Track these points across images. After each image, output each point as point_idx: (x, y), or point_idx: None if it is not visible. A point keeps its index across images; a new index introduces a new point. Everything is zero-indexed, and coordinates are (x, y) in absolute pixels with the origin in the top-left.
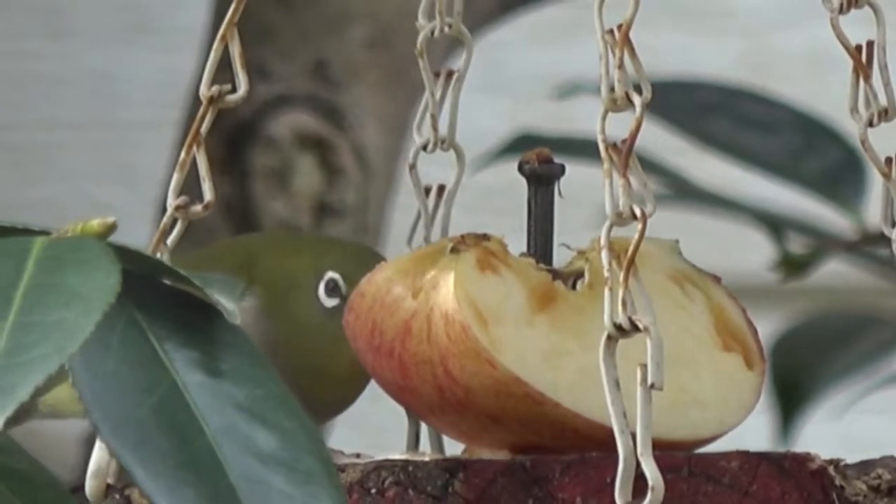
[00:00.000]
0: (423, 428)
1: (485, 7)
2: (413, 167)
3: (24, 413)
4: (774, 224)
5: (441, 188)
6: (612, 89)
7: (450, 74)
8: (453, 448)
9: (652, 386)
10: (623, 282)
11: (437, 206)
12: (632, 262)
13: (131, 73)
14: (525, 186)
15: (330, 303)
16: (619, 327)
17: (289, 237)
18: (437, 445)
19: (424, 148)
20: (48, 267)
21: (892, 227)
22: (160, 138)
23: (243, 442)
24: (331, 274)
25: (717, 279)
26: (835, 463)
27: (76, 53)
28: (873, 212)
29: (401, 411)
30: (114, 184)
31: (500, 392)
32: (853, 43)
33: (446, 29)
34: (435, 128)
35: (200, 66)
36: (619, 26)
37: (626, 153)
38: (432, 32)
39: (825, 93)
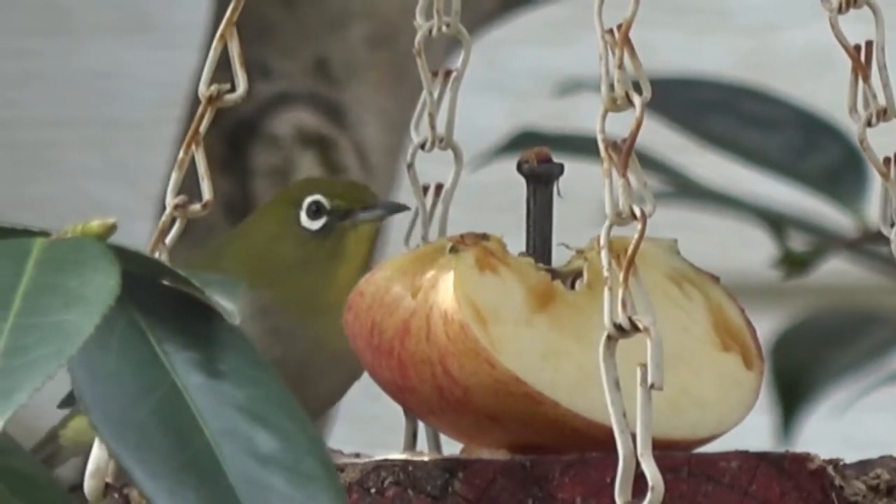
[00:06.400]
0: (420, 426)
1: (485, 5)
2: (411, 166)
3: (50, 456)
4: (775, 222)
5: (439, 187)
6: (611, 89)
7: (448, 73)
8: (450, 447)
9: (652, 386)
10: (623, 282)
11: (434, 204)
12: (632, 262)
13: (131, 71)
14: (523, 185)
15: (315, 224)
16: (619, 327)
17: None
18: (435, 444)
19: (423, 147)
20: (48, 268)
21: (891, 226)
22: (160, 136)
23: (243, 443)
24: (310, 198)
25: (715, 278)
26: (834, 463)
27: (75, 51)
28: (874, 210)
29: (399, 409)
30: (113, 182)
31: (499, 391)
32: (853, 42)
33: (444, 28)
34: (433, 126)
35: (200, 64)
36: (619, 26)
37: (625, 153)
38: (430, 31)
39: (826, 92)
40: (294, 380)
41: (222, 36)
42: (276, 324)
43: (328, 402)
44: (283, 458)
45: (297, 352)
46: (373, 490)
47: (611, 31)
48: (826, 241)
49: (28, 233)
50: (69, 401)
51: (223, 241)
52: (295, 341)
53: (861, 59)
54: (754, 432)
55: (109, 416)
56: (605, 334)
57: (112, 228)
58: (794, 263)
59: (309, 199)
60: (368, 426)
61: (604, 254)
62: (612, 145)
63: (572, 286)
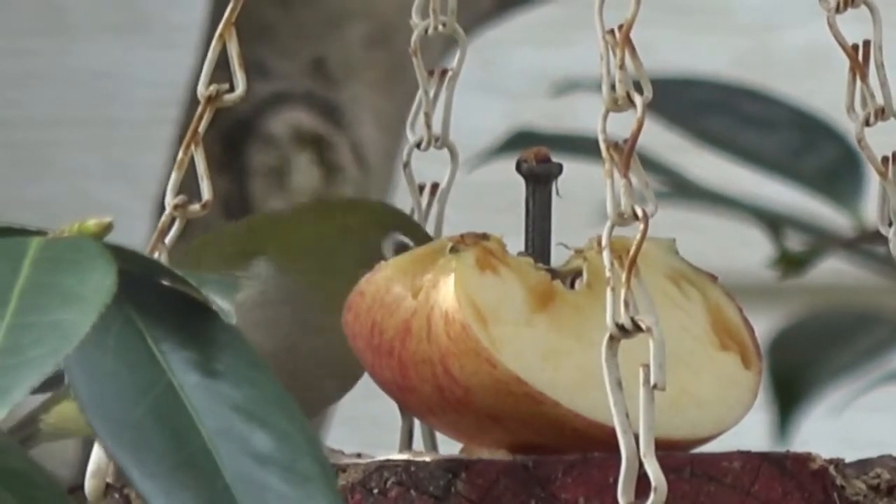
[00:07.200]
0: (416, 426)
1: (482, 5)
2: (407, 165)
3: (27, 438)
4: (773, 222)
5: (434, 186)
6: (612, 89)
7: (444, 73)
8: (447, 446)
9: (655, 386)
10: (625, 282)
11: (430, 203)
12: (634, 262)
13: (129, 71)
14: (522, 185)
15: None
16: (621, 328)
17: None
18: (431, 444)
19: (418, 146)
20: (44, 267)
21: (889, 225)
22: (158, 136)
23: (240, 443)
24: (399, 236)
25: (713, 278)
26: (835, 463)
27: (74, 51)
28: (871, 209)
29: (396, 409)
30: (112, 182)
31: (500, 391)
32: (850, 42)
33: (440, 27)
34: (429, 126)
35: (198, 64)
36: (620, 27)
37: (627, 153)
38: (426, 31)
39: (824, 91)
40: (317, 362)
41: (221, 36)
42: (303, 309)
43: (349, 382)
44: (280, 458)
45: (321, 337)
46: (375, 491)
47: (612, 31)
48: (823, 241)
49: (25, 232)
50: (46, 385)
51: (261, 221)
52: (319, 326)
53: (859, 59)
54: (750, 432)
55: (105, 415)
56: (607, 335)
57: (108, 227)
58: (791, 263)
59: (397, 238)
60: (365, 426)
61: (606, 254)
62: (614, 146)
63: (571, 286)
